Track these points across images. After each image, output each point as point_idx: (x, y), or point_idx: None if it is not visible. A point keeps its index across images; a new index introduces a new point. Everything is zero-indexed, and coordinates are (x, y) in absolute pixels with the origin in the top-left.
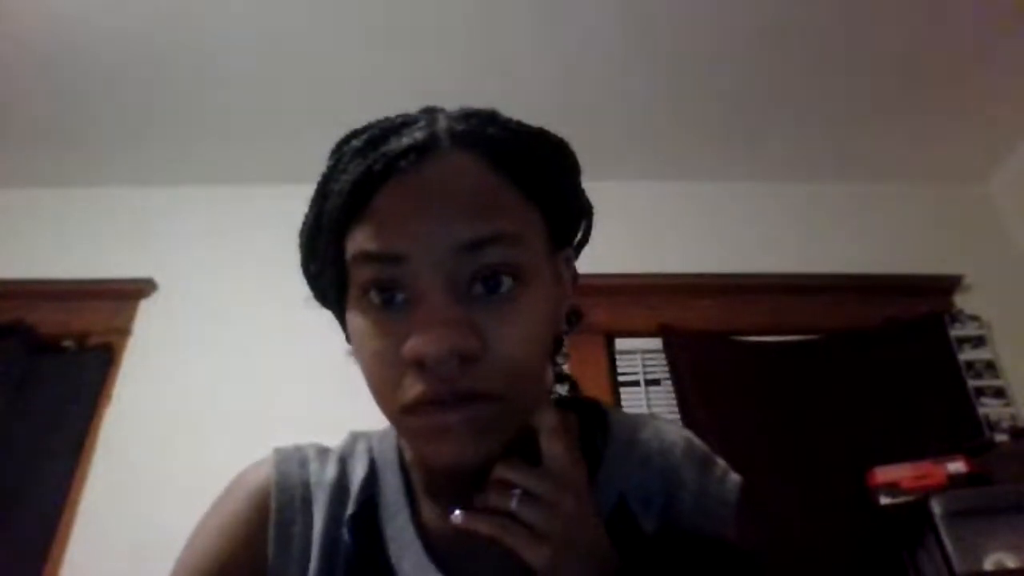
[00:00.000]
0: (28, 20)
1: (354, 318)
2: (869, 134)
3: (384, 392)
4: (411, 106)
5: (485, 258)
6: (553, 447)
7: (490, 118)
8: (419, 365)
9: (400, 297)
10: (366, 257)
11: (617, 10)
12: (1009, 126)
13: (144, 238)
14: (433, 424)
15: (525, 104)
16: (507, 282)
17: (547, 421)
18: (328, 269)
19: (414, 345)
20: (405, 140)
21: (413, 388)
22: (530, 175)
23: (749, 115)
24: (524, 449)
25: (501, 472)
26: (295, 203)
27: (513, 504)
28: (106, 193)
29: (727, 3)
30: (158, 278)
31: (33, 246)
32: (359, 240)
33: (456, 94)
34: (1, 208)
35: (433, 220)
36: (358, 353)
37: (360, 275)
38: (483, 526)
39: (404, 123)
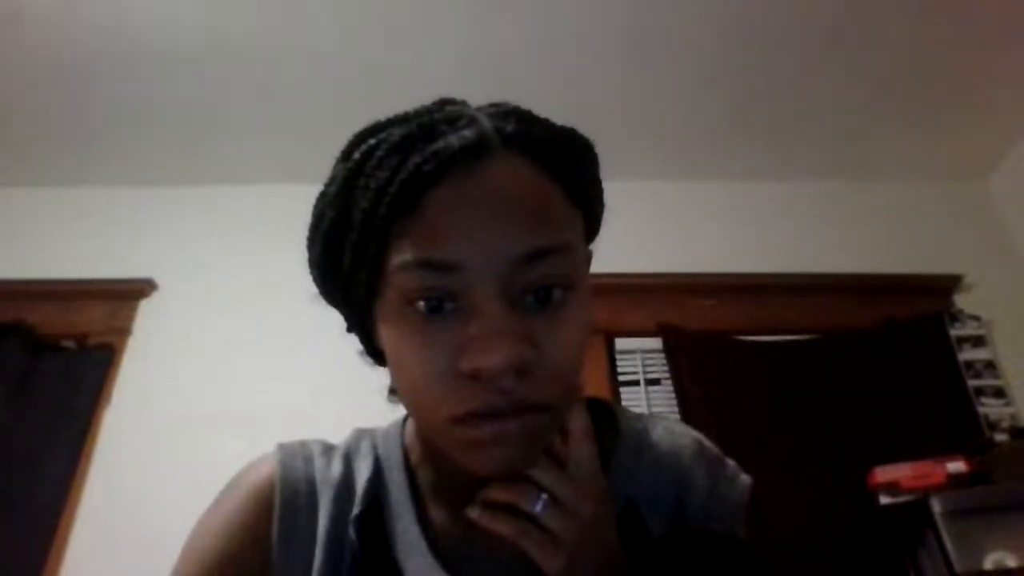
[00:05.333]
0: (28, 21)
1: (394, 325)
2: (869, 133)
3: (430, 402)
4: (410, 104)
5: (541, 269)
6: (581, 452)
7: (529, 117)
8: (475, 377)
9: (449, 306)
10: (418, 264)
11: (617, 8)
12: (1009, 125)
13: (144, 238)
14: (487, 434)
15: (524, 102)
16: (558, 293)
17: (579, 424)
18: (360, 271)
19: (474, 358)
20: (454, 140)
21: (468, 400)
22: (575, 180)
23: (749, 115)
24: None
25: (531, 472)
26: (295, 203)
27: (538, 508)
28: (106, 193)
29: (728, 2)
30: (158, 278)
31: (33, 246)
32: (408, 245)
33: (454, 91)
34: (1, 207)
35: (494, 228)
36: (398, 361)
37: (407, 281)
38: (501, 526)
39: (445, 120)
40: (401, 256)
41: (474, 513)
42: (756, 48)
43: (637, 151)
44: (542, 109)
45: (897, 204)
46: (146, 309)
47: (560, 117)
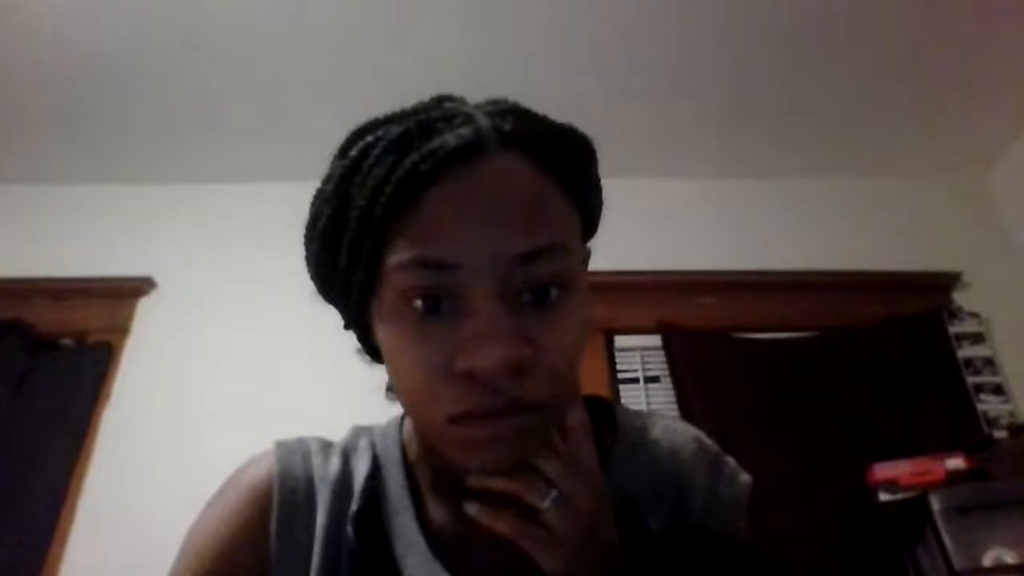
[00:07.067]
0: (29, 18)
1: (390, 324)
2: (868, 130)
3: (427, 402)
4: (410, 102)
5: (538, 268)
6: (581, 448)
7: (527, 115)
8: (471, 376)
9: (447, 305)
10: (415, 263)
11: (616, 4)
12: (1008, 122)
13: (143, 236)
14: (482, 434)
15: (526, 98)
16: (554, 292)
17: (577, 420)
18: (357, 270)
19: (470, 358)
20: (451, 138)
21: (464, 399)
22: (573, 178)
23: (747, 112)
24: None
25: (538, 463)
26: (294, 201)
27: (546, 503)
28: (105, 191)
29: (731, 0)
30: (157, 276)
31: (32, 244)
32: (405, 244)
33: (454, 90)
34: (0, 205)
35: (490, 228)
36: (395, 360)
37: (403, 280)
38: (500, 524)
39: (443, 118)
40: (398, 255)
41: (472, 509)
42: (754, 44)
43: (637, 149)
44: (543, 105)
45: (896, 201)
46: (145, 307)
47: (558, 114)
